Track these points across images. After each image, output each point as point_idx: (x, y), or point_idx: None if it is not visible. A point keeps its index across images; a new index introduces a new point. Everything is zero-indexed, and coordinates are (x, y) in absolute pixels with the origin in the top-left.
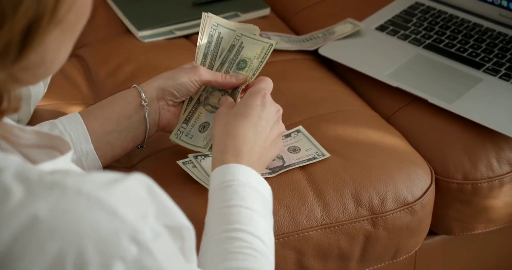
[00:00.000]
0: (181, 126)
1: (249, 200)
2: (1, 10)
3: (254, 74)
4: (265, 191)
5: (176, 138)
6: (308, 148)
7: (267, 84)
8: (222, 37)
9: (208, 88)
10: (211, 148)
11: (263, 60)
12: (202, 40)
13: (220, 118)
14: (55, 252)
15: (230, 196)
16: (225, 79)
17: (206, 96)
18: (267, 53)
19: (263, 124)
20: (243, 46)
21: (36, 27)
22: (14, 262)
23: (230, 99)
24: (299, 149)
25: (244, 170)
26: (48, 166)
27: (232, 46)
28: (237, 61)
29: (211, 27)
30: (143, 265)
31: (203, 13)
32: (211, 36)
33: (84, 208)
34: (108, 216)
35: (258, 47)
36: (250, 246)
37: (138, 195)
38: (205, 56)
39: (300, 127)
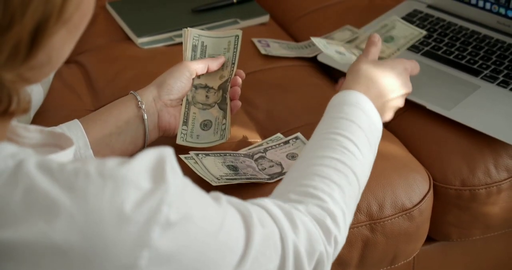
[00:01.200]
0: (182, 128)
1: (355, 116)
2: (10, 12)
3: (233, 63)
4: (377, 120)
5: (182, 140)
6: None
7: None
8: (206, 46)
9: (192, 88)
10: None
11: (235, 50)
12: (187, 52)
13: (367, 60)
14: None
15: (339, 111)
16: (209, 60)
17: (192, 95)
18: (236, 43)
19: (396, 88)
20: (217, 44)
21: (44, 28)
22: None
23: (380, 41)
24: (298, 156)
25: (363, 98)
26: (55, 157)
27: (206, 45)
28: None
29: (193, 38)
30: (174, 221)
31: (183, 29)
32: (195, 46)
33: (111, 189)
34: (134, 190)
35: (225, 41)
36: (340, 144)
37: (154, 160)
38: (191, 54)
39: (299, 134)
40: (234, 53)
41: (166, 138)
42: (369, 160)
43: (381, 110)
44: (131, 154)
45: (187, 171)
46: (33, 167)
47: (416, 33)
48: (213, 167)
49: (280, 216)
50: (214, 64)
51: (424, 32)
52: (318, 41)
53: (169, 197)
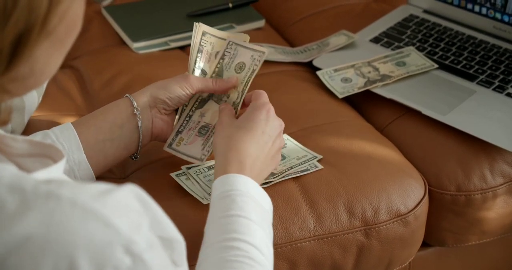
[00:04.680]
0: (174, 137)
1: (247, 209)
2: None
3: (247, 82)
4: (265, 202)
5: (169, 147)
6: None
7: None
8: (213, 47)
9: (200, 100)
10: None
11: (254, 68)
12: (193, 50)
13: (222, 129)
14: (51, 265)
15: (228, 205)
16: (215, 84)
17: (190, 109)
18: (258, 60)
19: (266, 139)
20: (236, 54)
21: (26, 39)
22: None
23: (230, 106)
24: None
25: (244, 180)
26: (41, 174)
27: (224, 54)
28: (232, 67)
29: (202, 36)
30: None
31: (194, 23)
32: (202, 45)
33: (78, 219)
34: (102, 227)
35: (249, 54)
36: (246, 255)
37: (131, 206)
38: (197, 65)
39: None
40: (252, 73)
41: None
42: (271, 257)
43: (267, 166)
44: (124, 158)
45: (179, 189)
46: (4, 187)
47: (428, 64)
48: (206, 182)
49: None
50: (220, 87)
51: (435, 65)
52: (321, 75)
53: (137, 248)
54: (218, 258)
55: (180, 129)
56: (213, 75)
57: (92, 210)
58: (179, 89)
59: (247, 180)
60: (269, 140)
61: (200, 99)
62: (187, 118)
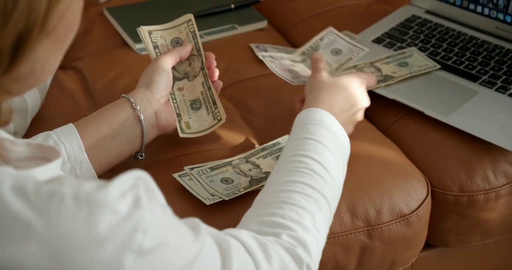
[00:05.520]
0: (178, 121)
1: (319, 135)
2: None
3: (198, 47)
4: (343, 137)
5: (183, 133)
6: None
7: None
8: (165, 38)
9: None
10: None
11: (194, 34)
12: (151, 51)
13: (322, 76)
14: (70, 259)
15: (302, 131)
16: (184, 49)
17: (176, 87)
18: (192, 28)
19: (355, 103)
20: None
21: (26, 39)
22: None
23: (323, 55)
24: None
25: (324, 114)
26: (39, 173)
27: (177, 41)
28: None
29: (150, 35)
30: (149, 248)
31: (137, 29)
32: (154, 42)
33: (85, 214)
34: (109, 216)
35: (181, 28)
36: (308, 167)
37: (130, 184)
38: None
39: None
40: (194, 37)
41: (164, 136)
42: (338, 179)
43: (344, 125)
44: (127, 155)
45: (182, 189)
46: (7, 189)
47: (430, 65)
48: (208, 183)
49: (255, 248)
50: (184, 52)
51: (438, 66)
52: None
53: (144, 223)
54: (281, 169)
55: (177, 112)
56: (309, 49)
57: (97, 200)
58: (159, 69)
59: (328, 115)
60: (357, 105)
61: (174, 79)
62: (174, 101)
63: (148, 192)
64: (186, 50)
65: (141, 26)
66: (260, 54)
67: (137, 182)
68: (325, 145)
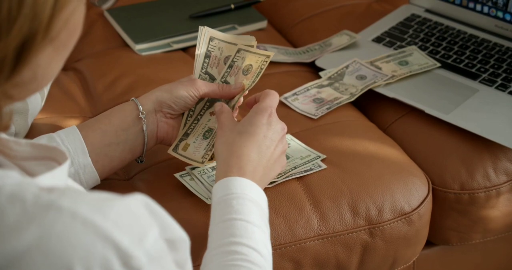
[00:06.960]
0: (180, 141)
1: (243, 211)
2: None
3: (250, 85)
4: (261, 200)
5: (173, 151)
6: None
7: (273, 100)
8: (221, 50)
9: (206, 104)
10: (210, 161)
11: (260, 71)
12: (199, 53)
13: (223, 134)
14: None
15: (226, 210)
16: (222, 89)
17: (197, 113)
18: (264, 64)
19: (268, 144)
20: (243, 58)
21: (30, 45)
22: None
23: (227, 107)
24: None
25: (239, 182)
26: (46, 178)
27: (231, 59)
28: (240, 71)
29: (208, 40)
30: None
31: (199, 26)
32: (210, 51)
33: (78, 231)
34: (102, 241)
35: (255, 58)
36: (245, 258)
37: (137, 216)
38: (203, 69)
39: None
40: (258, 73)
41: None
42: (269, 255)
43: (267, 173)
44: (129, 161)
45: (183, 189)
46: (5, 198)
47: (430, 63)
48: (210, 182)
49: None
50: (228, 94)
51: (438, 64)
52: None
53: (134, 262)
54: (217, 264)
55: (188, 132)
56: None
57: (93, 222)
58: (185, 93)
59: (242, 181)
60: (272, 144)
61: (210, 102)
62: (195, 121)
63: (155, 221)
64: (230, 93)
65: (206, 27)
66: (282, 98)
67: (145, 210)
68: (255, 223)
